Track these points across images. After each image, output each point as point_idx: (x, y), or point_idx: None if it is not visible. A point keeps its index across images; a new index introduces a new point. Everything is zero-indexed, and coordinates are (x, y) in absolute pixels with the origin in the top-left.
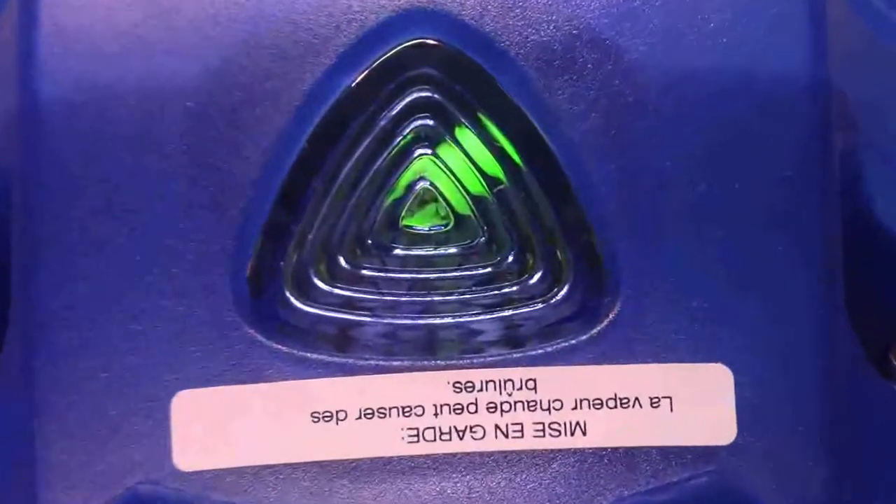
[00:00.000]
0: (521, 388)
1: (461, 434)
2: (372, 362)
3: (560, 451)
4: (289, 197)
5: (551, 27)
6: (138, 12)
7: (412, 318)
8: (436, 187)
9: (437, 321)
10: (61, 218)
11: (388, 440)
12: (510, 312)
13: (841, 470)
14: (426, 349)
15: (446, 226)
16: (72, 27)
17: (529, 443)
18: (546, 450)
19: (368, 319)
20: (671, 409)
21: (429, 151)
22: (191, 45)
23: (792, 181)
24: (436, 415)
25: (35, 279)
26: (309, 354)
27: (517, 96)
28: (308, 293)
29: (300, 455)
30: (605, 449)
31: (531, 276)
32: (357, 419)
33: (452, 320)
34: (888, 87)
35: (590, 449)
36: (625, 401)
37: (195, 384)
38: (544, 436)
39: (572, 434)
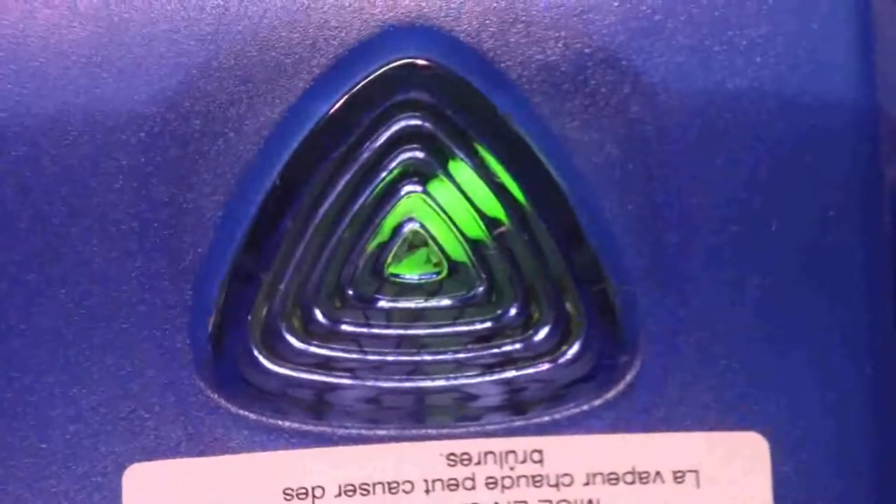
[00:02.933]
0: (525, 461)
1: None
2: (353, 431)
3: None
4: (257, 240)
5: (559, 45)
6: (83, 29)
7: (399, 381)
8: (426, 230)
9: (429, 384)
10: (11, 264)
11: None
12: (512, 374)
13: None
14: (415, 416)
15: (439, 274)
16: (5, 45)
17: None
18: None
19: (349, 382)
20: (697, 485)
21: (419, 188)
22: (143, 67)
23: (836, 222)
24: (427, 492)
25: None
26: (280, 422)
27: (520, 124)
28: (279, 352)
29: None
30: None
31: (536, 332)
32: (336, 496)
33: (446, 383)
34: None
35: None
36: (644, 475)
37: (149, 456)
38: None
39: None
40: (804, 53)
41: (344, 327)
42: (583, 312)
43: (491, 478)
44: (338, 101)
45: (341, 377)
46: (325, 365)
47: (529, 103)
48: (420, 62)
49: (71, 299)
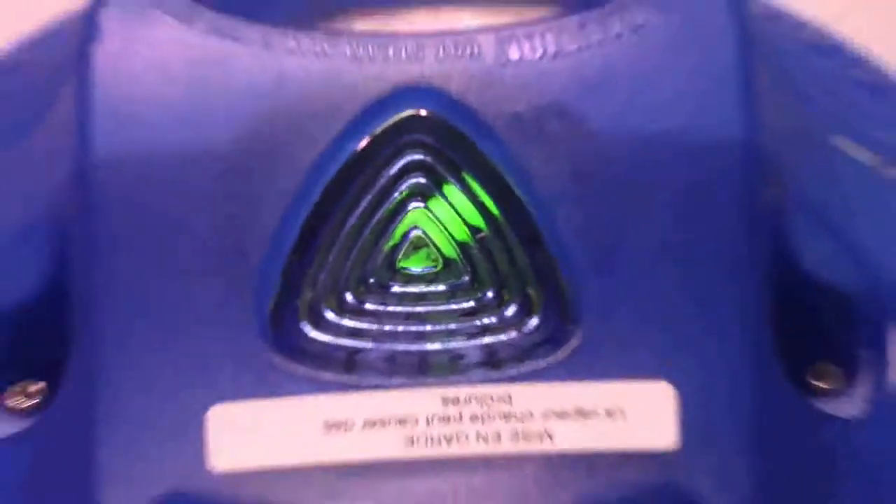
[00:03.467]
0: (498, 402)
1: (448, 441)
2: (374, 381)
3: (531, 454)
4: (304, 244)
5: (524, 100)
6: (178, 87)
7: (407, 345)
8: (427, 235)
9: (429, 347)
10: (116, 261)
11: (387, 446)
12: (489, 340)
13: (769, 473)
14: (419, 371)
15: (436, 267)
16: (121, 100)
17: (505, 447)
18: (519, 453)
19: (371, 346)
20: (625, 420)
21: (421, 205)
22: (221, 116)
23: (730, 229)
24: (427, 424)
25: (95, 316)
26: (321, 375)
27: (495, 159)
28: (320, 324)
29: (315, 458)
30: (568, 452)
31: (507, 309)
32: (362, 428)
33: (441, 346)
34: (808, 150)
35: (555, 453)
36: (585, 413)
37: (226, 399)
38: (518, 442)
39: (541, 440)
40: (705, 104)
41: (367, 306)
42: (541, 295)
43: (473, 414)
44: (363, 142)
45: (365, 342)
46: (353, 334)
47: (503, 143)
48: (422, 113)
49: (175, 292)
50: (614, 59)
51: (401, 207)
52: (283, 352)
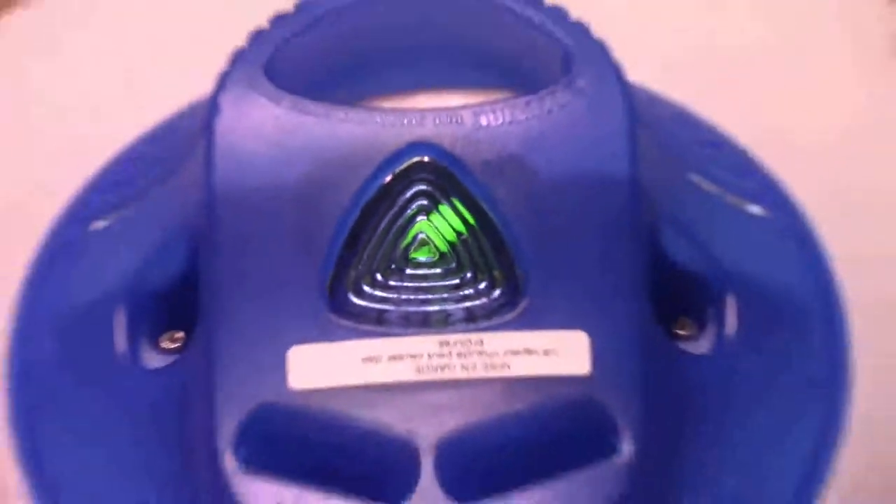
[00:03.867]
0: (474, 345)
1: (442, 369)
2: (394, 331)
3: (496, 378)
4: (350, 243)
5: (490, 152)
6: (270, 144)
7: (416, 308)
8: (429, 237)
9: (429, 309)
10: (228, 257)
11: (403, 372)
12: (468, 304)
13: (650, 388)
14: (423, 324)
15: (434, 258)
16: (233, 154)
17: (479, 374)
18: (488, 377)
19: (392, 308)
20: (556, 356)
21: (425, 218)
22: (298, 162)
23: (623, 232)
24: (429, 358)
25: (214, 291)
26: (360, 327)
27: (472, 189)
28: (360, 294)
29: (356, 381)
30: (520, 377)
31: (480, 285)
32: (387, 361)
33: (437, 308)
34: (671, 183)
35: (512, 377)
36: (530, 351)
37: (301, 343)
38: (487, 370)
39: (502, 369)
40: (604, 151)
41: (390, 283)
42: (502, 276)
43: (459, 353)
44: (387, 178)
45: (389, 306)
46: (381, 301)
47: (477, 180)
48: (425, 160)
49: (271, 278)
50: (548, 126)
51: (412, 219)
52: (336, 312)
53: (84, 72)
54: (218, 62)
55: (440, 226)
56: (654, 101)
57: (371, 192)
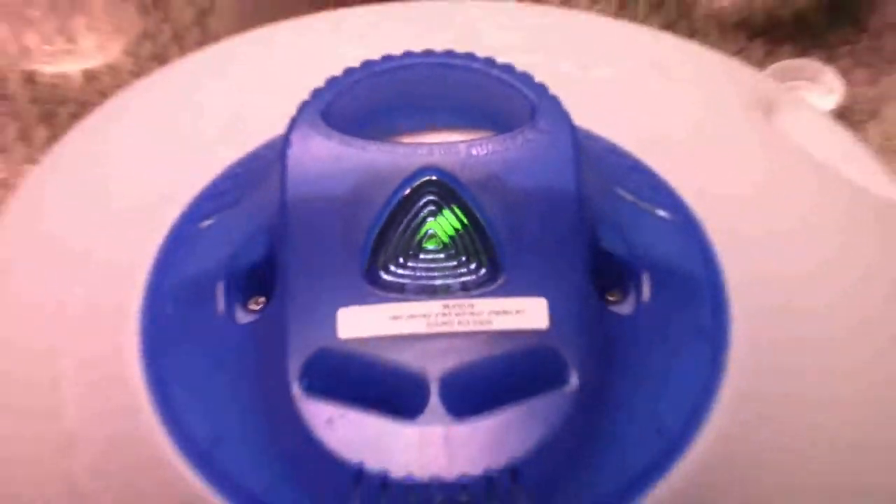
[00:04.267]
0: (468, 307)
1: (445, 324)
2: (412, 298)
3: (482, 331)
4: (381, 237)
5: (480, 173)
6: (323, 169)
7: (427, 282)
8: (436, 232)
9: (436, 283)
10: (294, 245)
11: (418, 327)
12: (463, 279)
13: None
14: (432, 293)
15: (440, 247)
16: (299, 172)
17: (471, 328)
18: (477, 330)
19: (410, 282)
20: (524, 315)
21: (433, 219)
22: (343, 180)
23: (573, 228)
24: (436, 317)
25: (285, 268)
26: (388, 295)
27: (467, 199)
28: (388, 272)
29: (384, 332)
30: (500, 329)
31: (471, 266)
32: (407, 318)
33: (441, 282)
34: (603, 195)
35: (493, 330)
36: (506, 312)
37: (347, 306)
38: (477, 325)
39: (487, 325)
40: (558, 173)
41: (409, 264)
42: (486, 260)
43: (457, 313)
44: (406, 191)
45: (408, 280)
46: (403, 276)
47: (471, 193)
48: (433, 178)
49: (329, 265)
50: (520, 155)
51: (424, 220)
52: (371, 285)
53: (202, 112)
54: (292, 110)
55: (443, 224)
56: (590, 137)
57: (395, 201)
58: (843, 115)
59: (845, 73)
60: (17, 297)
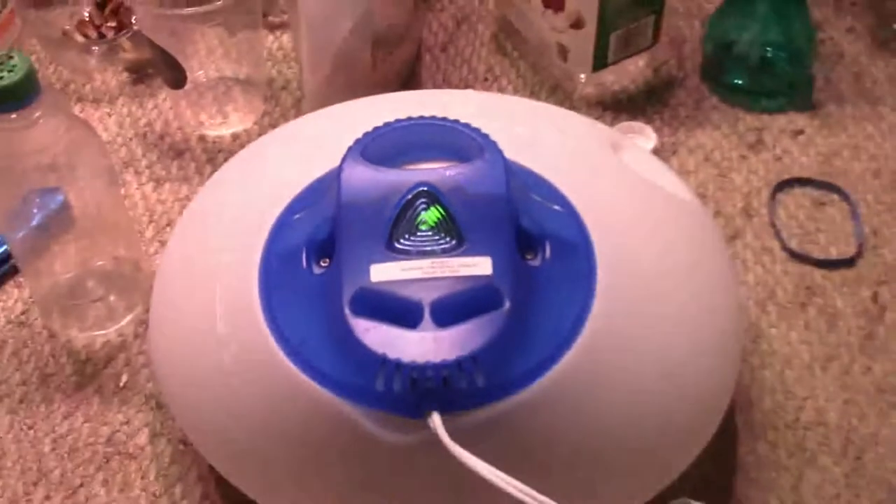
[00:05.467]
0: (447, 262)
1: (432, 272)
2: (413, 258)
3: (455, 276)
4: (395, 225)
5: (452, 186)
6: (364, 183)
7: (421, 247)
8: (426, 219)
9: (426, 249)
10: (344, 228)
11: (417, 274)
12: (442, 246)
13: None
14: (425, 255)
15: (429, 229)
16: (350, 185)
17: (447, 273)
18: (452, 275)
19: (413, 249)
20: (476, 267)
21: (425, 211)
22: (375, 188)
23: (506, 216)
24: (428, 267)
25: (337, 242)
26: (399, 256)
27: (443, 200)
28: (399, 243)
29: (398, 277)
30: (464, 274)
31: (445, 238)
32: (410, 269)
33: (429, 248)
34: (524, 198)
35: (460, 275)
36: (467, 266)
37: (376, 263)
38: (452, 273)
39: (457, 272)
40: (495, 183)
41: (411, 238)
42: (455, 236)
43: (439, 266)
44: (408, 197)
45: (411, 247)
46: (407, 245)
47: (448, 199)
48: (425, 189)
49: (359, 236)
50: (472, 174)
51: (419, 213)
52: (390, 250)
53: (295, 153)
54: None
55: (430, 215)
56: (514, 163)
57: (402, 202)
58: (657, 152)
59: (657, 129)
60: (199, 236)
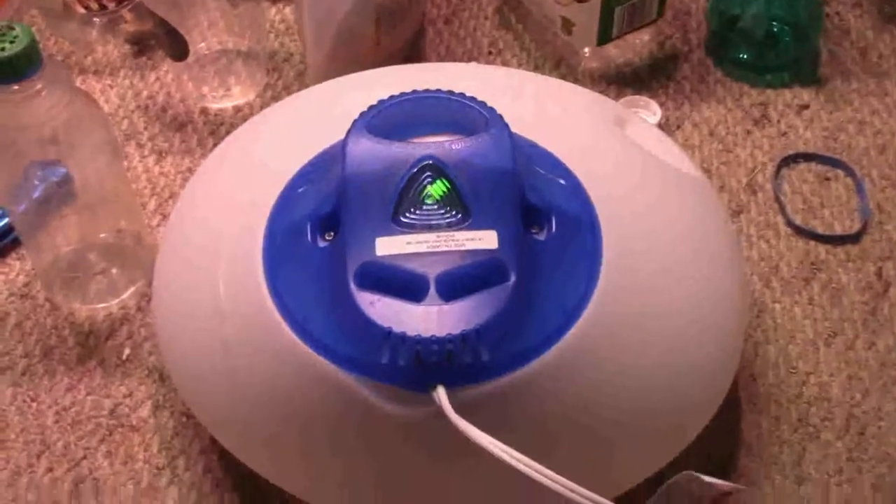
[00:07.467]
0: (452, 235)
1: (437, 246)
2: (419, 231)
3: (460, 249)
4: (401, 197)
5: (456, 158)
6: (366, 154)
7: (427, 221)
8: (432, 193)
9: (432, 223)
10: (349, 201)
11: (423, 248)
12: (447, 220)
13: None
14: (431, 229)
15: (434, 202)
16: (355, 157)
17: (452, 248)
18: (457, 249)
19: (418, 222)
20: (482, 241)
21: (431, 185)
22: (379, 161)
23: (511, 190)
24: (432, 242)
25: (342, 213)
26: (404, 230)
27: (449, 173)
28: (405, 216)
29: (404, 251)
30: (470, 248)
31: (452, 211)
32: (416, 243)
33: (436, 222)
34: (529, 170)
35: (465, 249)
36: (473, 240)
37: (382, 236)
38: (458, 247)
39: (463, 245)
40: (502, 156)
41: (416, 212)
42: (461, 209)
43: (444, 240)
44: (415, 170)
45: (416, 221)
46: (413, 218)
47: (453, 171)
48: (430, 162)
49: (365, 208)
50: (478, 147)
51: (424, 186)
52: (395, 224)
53: (300, 126)
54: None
55: (436, 189)
56: (520, 137)
57: (408, 175)
58: (662, 126)
59: (661, 103)
60: (202, 209)
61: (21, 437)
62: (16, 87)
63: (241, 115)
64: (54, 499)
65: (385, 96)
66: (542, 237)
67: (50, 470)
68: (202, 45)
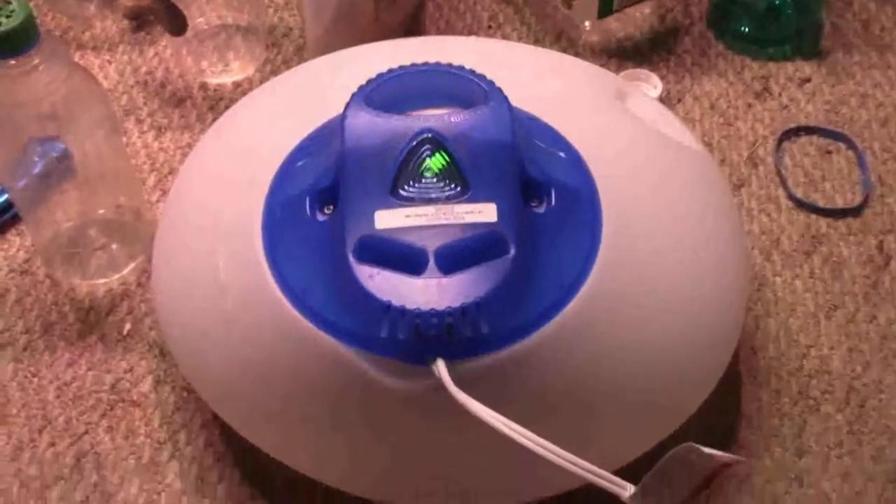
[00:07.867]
0: (450, 208)
1: (436, 219)
2: (418, 204)
3: (460, 223)
4: (400, 170)
5: (455, 131)
6: (366, 128)
7: (425, 194)
8: (430, 166)
9: (432, 196)
10: (348, 174)
11: (422, 221)
12: (446, 193)
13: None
14: (431, 202)
15: (433, 175)
16: (353, 131)
17: (451, 221)
18: (457, 222)
19: (417, 196)
20: (481, 213)
21: (429, 158)
22: (379, 136)
23: (510, 163)
24: (432, 215)
25: (342, 188)
26: (403, 203)
27: (448, 147)
28: (404, 190)
29: (403, 224)
30: (469, 222)
31: (451, 184)
32: (415, 216)
33: (435, 196)
34: (528, 143)
35: (465, 222)
36: (472, 212)
37: (381, 209)
38: (458, 220)
39: (463, 218)
40: (502, 130)
41: (415, 185)
42: (460, 182)
43: (443, 213)
44: (414, 143)
45: (415, 194)
46: (412, 191)
47: (452, 144)
48: (429, 135)
49: (364, 182)
50: (477, 120)
51: (424, 159)
52: (394, 197)
53: (298, 100)
54: (348, 97)
55: (435, 162)
56: (519, 110)
57: (407, 149)
58: (662, 100)
59: (662, 77)
60: (201, 184)
61: (23, 413)
62: (13, 63)
63: (240, 90)
64: (56, 473)
65: (384, 69)
66: (541, 210)
67: (52, 445)
68: (201, 19)
